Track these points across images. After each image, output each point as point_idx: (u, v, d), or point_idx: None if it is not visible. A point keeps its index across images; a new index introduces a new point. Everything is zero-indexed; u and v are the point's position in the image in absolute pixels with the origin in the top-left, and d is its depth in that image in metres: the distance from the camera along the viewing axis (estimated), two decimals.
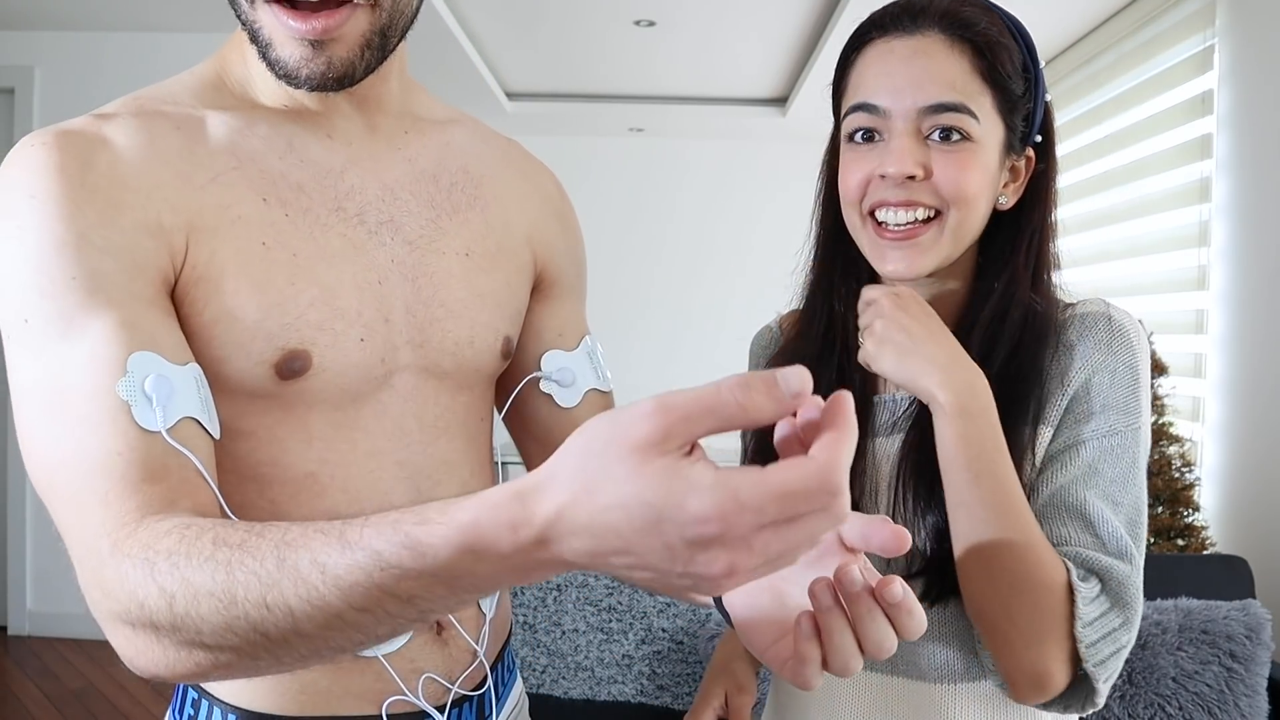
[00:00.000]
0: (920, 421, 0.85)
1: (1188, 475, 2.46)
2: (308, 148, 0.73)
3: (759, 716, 0.99)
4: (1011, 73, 0.81)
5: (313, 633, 0.50)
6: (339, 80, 0.68)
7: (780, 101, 4.83)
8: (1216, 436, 2.60)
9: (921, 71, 0.79)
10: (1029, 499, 0.79)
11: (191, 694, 0.75)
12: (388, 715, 0.74)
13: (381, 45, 0.69)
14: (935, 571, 0.82)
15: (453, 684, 0.77)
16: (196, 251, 0.66)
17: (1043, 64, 0.85)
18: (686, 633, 2.01)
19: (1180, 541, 2.40)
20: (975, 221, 0.83)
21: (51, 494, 0.60)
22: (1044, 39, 3.45)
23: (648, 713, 2.01)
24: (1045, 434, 0.81)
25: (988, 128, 0.81)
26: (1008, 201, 0.85)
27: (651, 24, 3.71)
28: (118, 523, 0.57)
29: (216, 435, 0.65)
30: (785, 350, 0.95)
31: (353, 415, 0.72)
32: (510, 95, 4.81)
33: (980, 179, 0.81)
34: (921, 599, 0.82)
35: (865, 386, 0.89)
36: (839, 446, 0.40)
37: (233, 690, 0.73)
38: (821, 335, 0.91)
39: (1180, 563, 2.03)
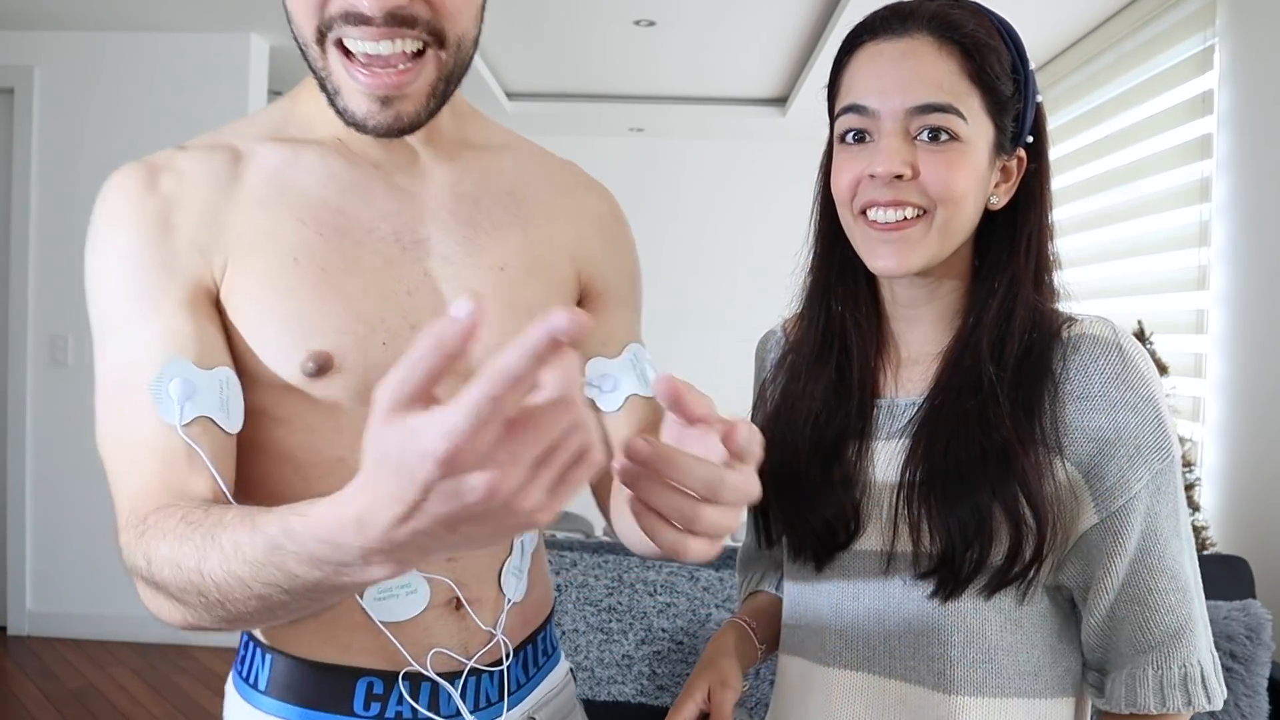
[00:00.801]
0: (925, 427, 0.85)
1: (1188, 475, 2.46)
2: (353, 174, 0.80)
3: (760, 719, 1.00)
4: (1000, 74, 0.82)
5: (237, 600, 0.59)
6: (405, 130, 0.74)
7: (780, 101, 4.83)
8: (1216, 436, 2.60)
9: (910, 73, 0.80)
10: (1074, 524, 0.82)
11: (244, 637, 0.86)
12: (404, 676, 0.80)
13: (444, 93, 0.75)
14: (942, 572, 0.82)
15: (469, 659, 0.83)
16: (235, 266, 0.75)
17: (1043, 64, 0.86)
18: (686, 633, 2.01)
19: None
20: (964, 220, 0.84)
21: (105, 465, 0.73)
22: (1044, 39, 3.45)
23: (648, 713, 2.01)
24: (1068, 469, 0.81)
25: (976, 128, 0.82)
26: (999, 201, 0.86)
27: (651, 24, 3.71)
28: (139, 496, 0.69)
29: (232, 431, 0.74)
30: (789, 352, 0.96)
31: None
32: (510, 95, 4.81)
33: (968, 178, 0.82)
34: (930, 597, 0.83)
35: (865, 389, 0.90)
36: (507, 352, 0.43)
37: (272, 635, 0.83)
38: (820, 335, 0.92)
39: None
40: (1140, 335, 2.53)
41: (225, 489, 0.72)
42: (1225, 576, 2.01)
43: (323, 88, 0.74)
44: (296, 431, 0.78)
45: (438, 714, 0.82)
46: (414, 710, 0.81)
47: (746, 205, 5.52)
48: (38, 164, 3.82)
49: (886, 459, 0.87)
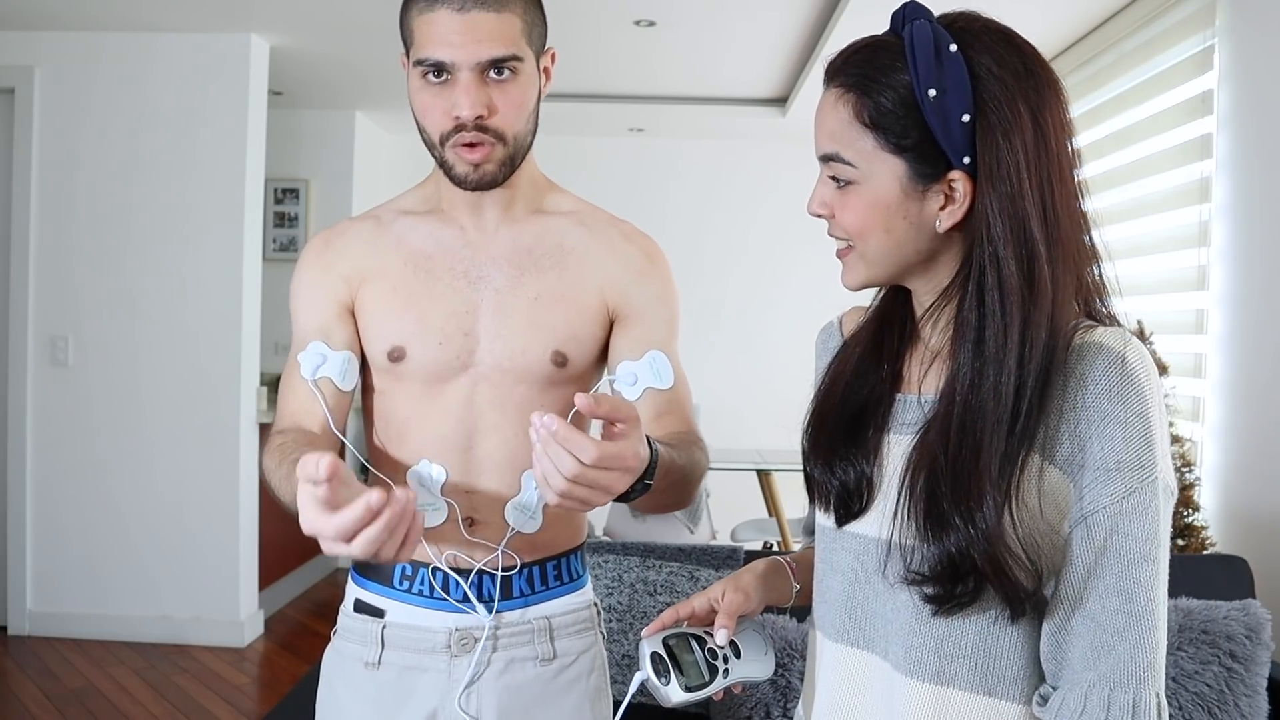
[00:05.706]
0: (929, 425, 0.85)
1: (1188, 475, 2.46)
2: (444, 233, 1.22)
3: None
4: (890, 108, 0.83)
5: (278, 496, 1.09)
6: (488, 185, 1.16)
7: (780, 101, 4.84)
8: (1216, 436, 2.60)
9: (818, 124, 0.89)
10: (1021, 519, 0.81)
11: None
12: (431, 570, 1.19)
13: (511, 165, 1.16)
14: (944, 578, 0.82)
15: (476, 563, 1.19)
16: (363, 290, 1.21)
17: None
18: None
19: (1180, 541, 2.41)
20: (887, 246, 0.87)
21: (279, 398, 1.22)
22: (1044, 39, 3.45)
23: (648, 713, 2.01)
24: (1052, 473, 0.81)
25: (872, 167, 0.85)
26: (943, 225, 0.85)
27: (651, 24, 3.72)
28: (282, 418, 1.19)
29: (345, 389, 1.19)
30: (843, 347, 1.01)
31: (437, 389, 1.19)
32: None
33: (867, 217, 0.86)
34: (926, 601, 0.84)
35: (887, 382, 0.94)
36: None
37: None
38: (872, 323, 0.98)
39: (1180, 563, 2.02)
40: (1140, 335, 2.52)
41: (332, 423, 1.18)
42: (1225, 576, 2.01)
43: (441, 165, 1.15)
44: (385, 398, 1.22)
45: (448, 597, 1.18)
46: (431, 588, 1.19)
47: (745, 205, 5.52)
48: (38, 164, 3.82)
49: (898, 451, 0.89)
